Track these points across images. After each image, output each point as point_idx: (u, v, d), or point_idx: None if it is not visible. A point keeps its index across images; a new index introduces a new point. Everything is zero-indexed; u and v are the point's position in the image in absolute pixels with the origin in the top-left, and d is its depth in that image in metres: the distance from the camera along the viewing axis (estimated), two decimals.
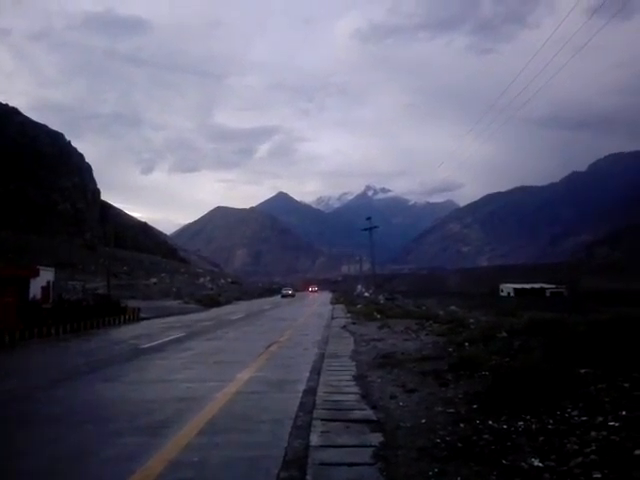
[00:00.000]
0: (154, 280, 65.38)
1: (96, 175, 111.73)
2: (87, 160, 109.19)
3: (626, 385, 5.52)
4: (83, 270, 59.77)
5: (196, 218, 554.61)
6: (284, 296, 66.74)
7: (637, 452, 3.67)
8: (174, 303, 39.79)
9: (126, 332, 18.96)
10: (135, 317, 25.03)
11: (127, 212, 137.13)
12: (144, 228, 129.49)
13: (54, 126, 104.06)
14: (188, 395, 7.24)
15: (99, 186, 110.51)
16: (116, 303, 24.97)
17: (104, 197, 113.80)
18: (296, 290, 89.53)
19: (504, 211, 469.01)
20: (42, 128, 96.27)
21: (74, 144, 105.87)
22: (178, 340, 15.39)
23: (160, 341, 15.01)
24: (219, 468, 4.32)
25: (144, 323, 23.65)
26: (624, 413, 4.61)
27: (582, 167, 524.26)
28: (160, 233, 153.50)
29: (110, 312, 22.80)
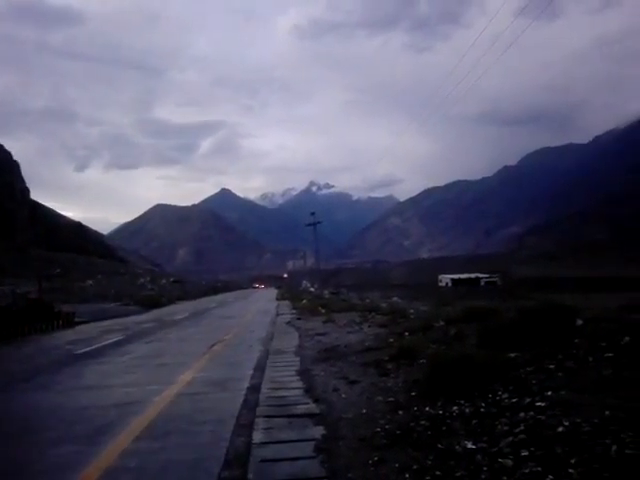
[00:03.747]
0: (90, 282, 62.50)
1: (25, 173, 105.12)
2: (15, 157, 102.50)
3: (552, 367, 5.89)
4: (13, 274, 56.15)
5: (135, 216, 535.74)
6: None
7: (560, 429, 3.93)
8: (112, 305, 38.22)
9: (60, 337, 18.02)
10: (70, 321, 23.84)
11: (60, 212, 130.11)
12: (79, 228, 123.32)
13: None
14: (127, 400, 7.00)
15: (28, 185, 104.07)
16: (49, 307, 23.67)
17: (34, 196, 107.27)
18: (244, 288, 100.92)
19: (442, 205, 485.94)
20: None
21: (1, 141, 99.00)
22: (117, 344, 14.83)
23: (97, 345, 14.39)
24: (158, 472, 4.22)
25: (80, 327, 22.57)
26: (549, 393, 4.92)
27: (513, 161, 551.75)
28: (96, 233, 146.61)
29: (42, 317, 21.58)
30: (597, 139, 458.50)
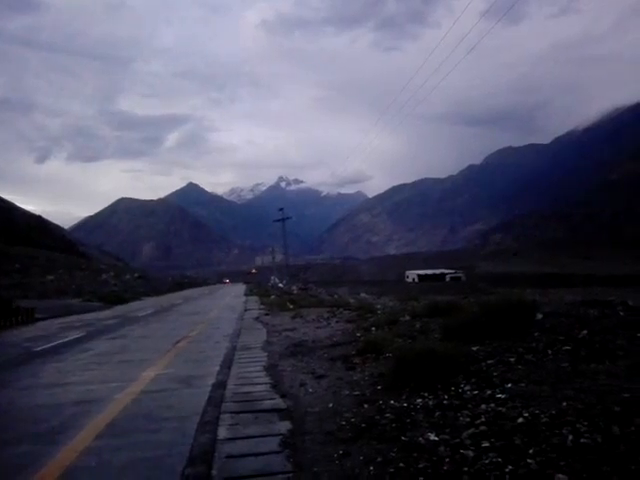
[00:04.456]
0: (51, 278, 60.53)
1: None
2: None
3: (512, 360, 6.05)
4: None
5: (98, 210, 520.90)
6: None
7: (520, 420, 4.04)
8: (74, 301, 37.13)
9: (18, 335, 17.38)
10: (29, 318, 23.05)
11: (19, 205, 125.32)
12: (38, 222, 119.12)
13: None
14: (87, 398, 6.80)
15: None
16: (7, 303, 22.81)
17: None
18: (212, 283, 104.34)
19: (409, 202, 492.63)
20: None
21: None
22: (77, 340, 14.41)
23: (57, 342, 13.95)
24: (119, 471, 4.12)
25: (40, 324, 21.84)
26: (510, 386, 5.06)
27: (478, 160, 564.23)
28: (57, 227, 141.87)
29: (0, 313, 20.78)
30: (557, 140, 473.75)
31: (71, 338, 14.97)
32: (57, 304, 33.02)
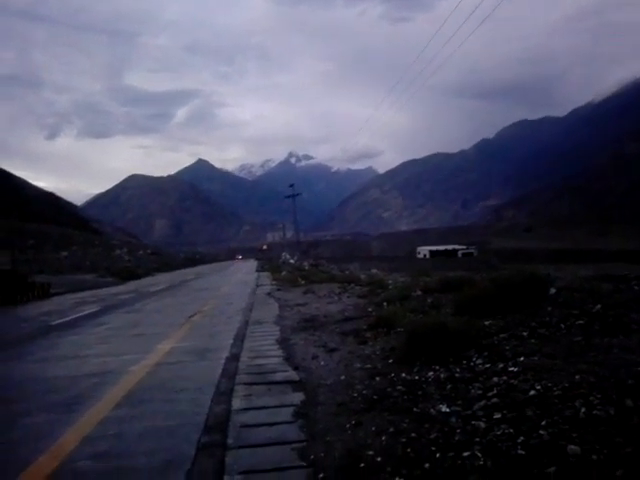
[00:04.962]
0: (65, 253, 61.39)
1: None
2: None
3: (524, 334, 6.04)
4: None
5: (109, 187, 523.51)
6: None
7: (532, 393, 4.05)
8: (88, 277, 37.70)
9: (35, 309, 17.75)
10: (45, 293, 23.49)
11: (32, 182, 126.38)
12: (51, 198, 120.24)
13: None
14: (103, 370, 6.95)
15: None
16: (22, 278, 23.24)
17: (4, 165, 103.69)
18: (223, 260, 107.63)
19: (420, 177, 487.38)
20: None
21: None
22: (92, 315, 14.67)
23: (73, 317, 14.23)
24: (137, 439, 4.23)
25: (55, 299, 22.26)
26: (522, 359, 5.05)
27: (491, 134, 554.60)
28: (69, 204, 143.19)
29: (16, 288, 21.19)
30: (574, 112, 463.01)
31: (86, 312, 15.25)
32: (72, 279, 33.55)
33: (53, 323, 12.98)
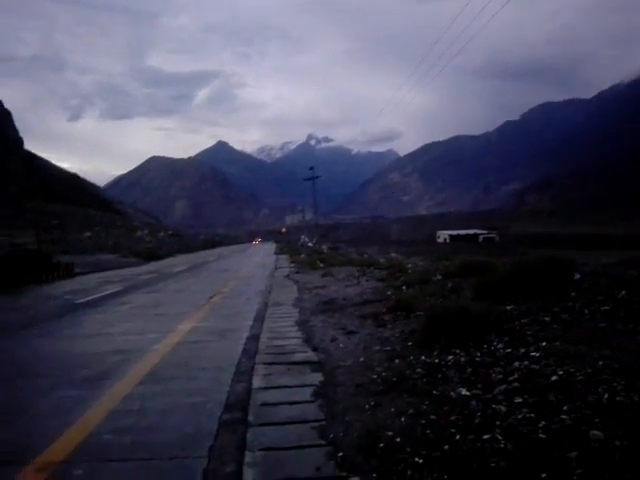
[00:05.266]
0: (88, 234, 62.57)
1: (17, 123, 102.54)
2: (6, 106, 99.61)
3: (547, 319, 5.96)
4: (9, 225, 56.00)
5: (130, 169, 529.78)
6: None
7: (554, 378, 4.01)
8: (111, 257, 38.46)
9: (60, 288, 18.20)
10: (69, 272, 24.06)
11: (54, 163, 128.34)
12: (74, 180, 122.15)
13: None
14: (126, 348, 7.11)
15: (22, 135, 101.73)
16: (47, 258, 23.80)
17: (28, 147, 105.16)
18: (242, 242, 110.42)
19: (441, 160, 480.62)
20: None
21: None
22: (116, 294, 14.99)
23: (96, 295, 14.55)
24: (160, 414, 4.33)
25: (79, 278, 22.78)
26: (544, 344, 4.99)
27: (515, 116, 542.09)
28: (92, 185, 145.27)
29: (42, 268, 21.73)
30: (601, 94, 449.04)
31: (110, 292, 15.58)
32: (95, 259, 34.25)
33: (78, 302, 13.30)
